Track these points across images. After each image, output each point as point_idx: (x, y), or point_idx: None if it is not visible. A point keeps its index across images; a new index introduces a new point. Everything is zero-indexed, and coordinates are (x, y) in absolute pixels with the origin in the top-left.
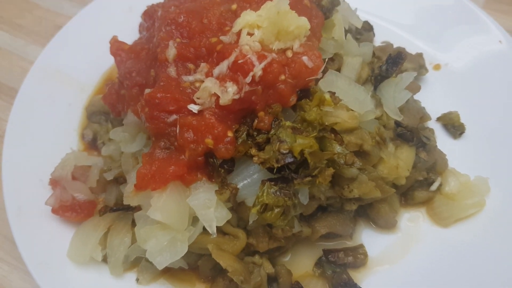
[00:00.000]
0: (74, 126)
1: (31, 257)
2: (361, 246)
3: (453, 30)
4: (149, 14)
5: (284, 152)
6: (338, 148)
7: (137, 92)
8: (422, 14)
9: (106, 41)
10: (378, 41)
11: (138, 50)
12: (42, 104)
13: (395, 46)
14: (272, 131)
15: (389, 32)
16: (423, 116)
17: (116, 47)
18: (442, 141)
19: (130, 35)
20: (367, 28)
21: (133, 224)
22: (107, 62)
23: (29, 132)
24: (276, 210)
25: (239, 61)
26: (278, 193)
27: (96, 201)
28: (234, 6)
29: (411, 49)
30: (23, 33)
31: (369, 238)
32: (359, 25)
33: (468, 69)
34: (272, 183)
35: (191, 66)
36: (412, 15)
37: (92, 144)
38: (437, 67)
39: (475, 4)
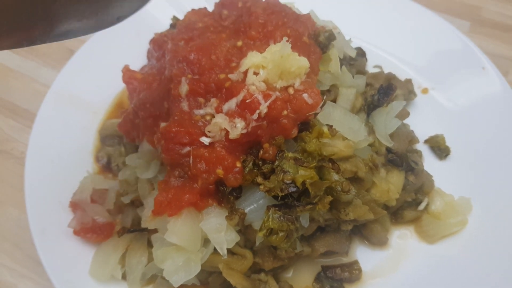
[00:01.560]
0: (89, 149)
1: (57, 275)
2: (356, 262)
3: (441, 56)
4: (158, 43)
5: (288, 182)
6: (335, 176)
7: (151, 123)
8: (411, 41)
9: (116, 66)
10: (370, 65)
11: (150, 81)
12: (58, 128)
13: (386, 69)
14: (277, 162)
15: (380, 57)
16: (412, 139)
17: (129, 75)
18: (429, 162)
19: (138, 59)
20: (360, 53)
21: (149, 244)
22: (117, 86)
23: (48, 155)
24: (281, 234)
25: (247, 101)
26: (282, 218)
27: (114, 223)
28: (239, 43)
29: (401, 74)
30: (34, 55)
31: (363, 254)
32: (353, 55)
33: (454, 94)
34: (277, 208)
35: (201, 100)
36: (402, 43)
37: (107, 166)
38: (425, 91)
39: (459, 31)
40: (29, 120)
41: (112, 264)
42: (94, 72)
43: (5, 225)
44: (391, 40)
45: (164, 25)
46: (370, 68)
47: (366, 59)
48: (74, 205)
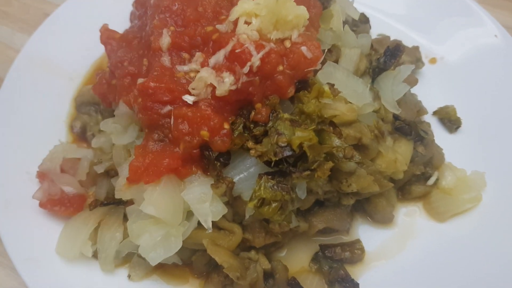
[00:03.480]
0: (63, 117)
1: (17, 252)
2: (358, 241)
3: (449, 23)
4: (140, 2)
5: (283, 145)
6: (337, 142)
7: (129, 82)
8: (418, 8)
9: (96, 30)
10: (374, 33)
11: (130, 39)
12: (29, 95)
13: (391, 39)
14: (270, 124)
15: (385, 25)
16: (420, 110)
17: (107, 35)
18: (438, 135)
19: (120, 23)
20: (364, 20)
21: (125, 218)
22: (97, 51)
23: (16, 123)
24: (274, 204)
25: (237, 51)
26: (275, 187)
27: (86, 195)
28: None
29: (407, 42)
30: (10, 21)
31: (366, 233)
32: (356, 17)
33: (464, 63)
34: (270, 177)
35: (185, 55)
36: (408, 8)
37: (82, 135)
38: (433, 60)
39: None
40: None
41: (82, 240)
42: (72, 36)
43: None
44: (396, 6)
45: None
46: (374, 37)
47: (370, 26)
48: (42, 175)
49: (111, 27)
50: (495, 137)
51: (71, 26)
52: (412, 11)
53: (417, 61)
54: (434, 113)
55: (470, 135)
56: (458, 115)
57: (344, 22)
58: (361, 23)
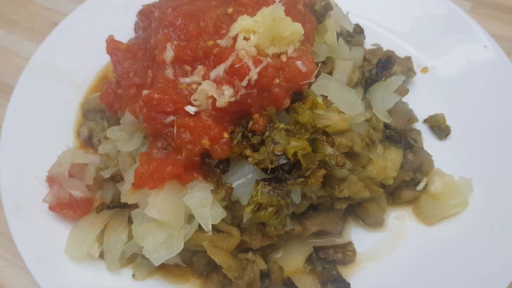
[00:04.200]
0: (70, 124)
1: (29, 253)
2: (350, 243)
3: (440, 34)
4: (145, 14)
5: (278, 153)
6: (329, 150)
7: (135, 93)
8: (411, 20)
9: (102, 39)
10: (368, 43)
11: (135, 50)
12: (38, 101)
13: (384, 49)
14: (267, 133)
15: (379, 35)
16: (411, 118)
17: (113, 46)
18: (428, 142)
19: (125, 33)
20: (358, 30)
21: (129, 221)
22: (103, 60)
23: (25, 129)
24: (270, 209)
25: (236, 65)
26: (271, 192)
27: (93, 199)
28: (230, 10)
29: (400, 52)
30: (18, 29)
31: (357, 236)
32: (351, 29)
33: (454, 73)
34: (266, 183)
35: (188, 68)
36: (402, 20)
37: (88, 141)
38: (424, 70)
39: (462, 9)
40: (8, 95)
41: (89, 241)
42: (78, 45)
43: None
44: (390, 17)
45: None
46: (368, 47)
47: (364, 36)
48: (51, 180)
49: (116, 36)
50: (482, 144)
51: (78, 35)
52: (406, 23)
53: (409, 71)
54: (425, 121)
55: (458, 142)
56: (448, 123)
57: (339, 34)
58: (355, 34)
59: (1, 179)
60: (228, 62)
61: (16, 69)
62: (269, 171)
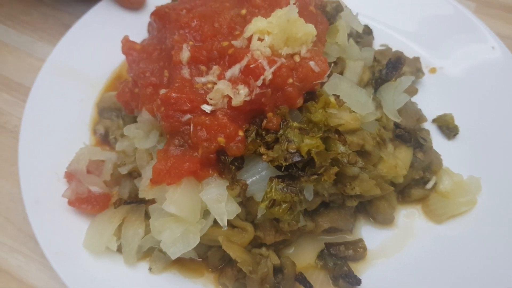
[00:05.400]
0: (86, 121)
1: (49, 247)
2: (361, 240)
3: (449, 35)
4: (159, 15)
5: (292, 151)
6: (341, 148)
7: (152, 92)
8: (419, 20)
9: (115, 39)
10: (377, 44)
11: (150, 51)
12: (54, 100)
13: (393, 49)
14: (281, 131)
15: (387, 36)
16: (420, 118)
17: (128, 46)
18: (437, 141)
19: (138, 33)
20: (367, 31)
21: (146, 216)
22: (117, 59)
23: (43, 127)
24: (284, 205)
25: (251, 66)
26: (285, 189)
27: (111, 194)
28: (243, 11)
29: (409, 53)
30: (30, 30)
31: (368, 233)
32: (360, 30)
33: (462, 73)
34: (280, 180)
35: (203, 68)
36: (410, 21)
37: (104, 139)
38: (433, 70)
39: (467, 9)
40: (23, 94)
41: (107, 235)
42: (93, 45)
43: None
44: (398, 18)
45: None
46: (377, 47)
47: (373, 37)
48: (69, 176)
49: (128, 35)
50: (490, 144)
51: (93, 35)
52: (414, 24)
53: (418, 71)
54: (433, 120)
55: (467, 142)
56: (456, 123)
57: (349, 35)
58: (365, 34)
59: (21, 175)
60: (244, 62)
61: (30, 70)
62: (283, 168)
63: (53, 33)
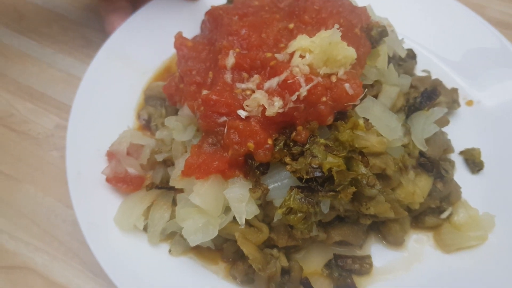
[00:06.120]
0: (132, 106)
1: (84, 216)
2: (369, 256)
3: (491, 68)
4: (213, 15)
5: (315, 166)
6: (363, 169)
7: (195, 90)
8: (464, 50)
9: (170, 32)
10: (419, 69)
11: (200, 50)
12: (106, 82)
13: (434, 75)
14: (307, 146)
15: (430, 62)
16: (448, 148)
17: (180, 42)
18: (461, 173)
19: (192, 29)
20: (411, 55)
21: (173, 203)
22: (169, 51)
23: (93, 105)
24: (299, 214)
25: (289, 81)
26: (303, 200)
27: (145, 177)
28: (291, 25)
29: (448, 82)
30: (51, 42)
31: (377, 251)
32: (403, 55)
33: (498, 109)
34: (299, 190)
35: (245, 75)
36: (455, 50)
37: (146, 125)
38: (469, 103)
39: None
40: (45, 103)
41: (136, 214)
42: (148, 35)
43: (22, 202)
44: (444, 47)
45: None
46: (418, 72)
47: (416, 62)
48: (111, 155)
49: (182, 29)
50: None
51: (149, 26)
52: (458, 53)
53: (454, 102)
54: (461, 153)
55: (490, 178)
56: (482, 158)
57: (392, 57)
58: (408, 58)
59: (67, 149)
60: (282, 76)
61: (51, 80)
62: (303, 180)
63: (73, 45)
